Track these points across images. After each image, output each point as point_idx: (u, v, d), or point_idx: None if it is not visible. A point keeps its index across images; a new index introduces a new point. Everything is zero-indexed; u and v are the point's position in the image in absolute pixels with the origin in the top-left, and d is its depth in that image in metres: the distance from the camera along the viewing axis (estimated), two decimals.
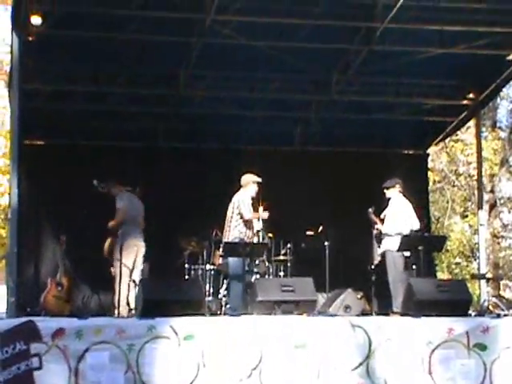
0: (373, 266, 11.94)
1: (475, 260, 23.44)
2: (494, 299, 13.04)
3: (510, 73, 13.42)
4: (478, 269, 15.03)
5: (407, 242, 10.90)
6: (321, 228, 11.98)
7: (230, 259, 10.68)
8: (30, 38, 10.69)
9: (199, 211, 13.23)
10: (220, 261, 11.67)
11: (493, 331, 8.60)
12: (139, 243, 10.70)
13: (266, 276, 11.66)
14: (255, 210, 10.90)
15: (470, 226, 24.49)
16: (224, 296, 11.36)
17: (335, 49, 12.80)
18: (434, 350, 8.46)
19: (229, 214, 10.95)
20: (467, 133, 22.52)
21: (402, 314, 9.45)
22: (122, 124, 14.02)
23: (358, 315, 9.97)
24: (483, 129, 22.62)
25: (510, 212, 25.66)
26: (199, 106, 13.96)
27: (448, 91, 14.31)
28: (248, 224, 10.88)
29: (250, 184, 11.07)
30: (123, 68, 12.98)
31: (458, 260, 25.25)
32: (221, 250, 11.12)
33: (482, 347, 8.53)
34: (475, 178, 16.74)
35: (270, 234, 11.68)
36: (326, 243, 11.50)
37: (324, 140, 14.94)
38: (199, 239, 12.02)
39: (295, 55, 12.43)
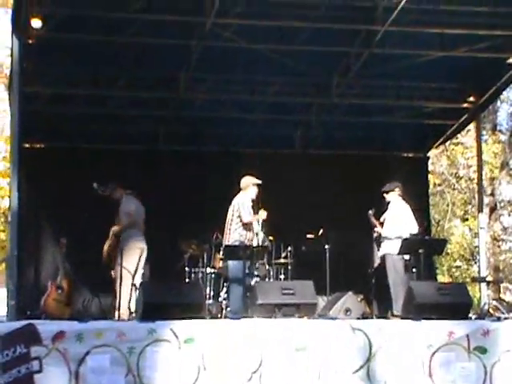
0: (373, 269, 11.96)
1: (475, 263, 23.45)
2: (495, 302, 12.99)
3: (510, 76, 13.41)
4: (479, 272, 15.02)
5: (408, 245, 10.90)
6: (321, 231, 11.96)
7: (231, 262, 10.66)
8: (30, 41, 10.71)
9: (199, 214, 13.21)
10: (220, 264, 11.67)
11: (493, 334, 8.60)
12: (143, 246, 10.70)
13: (267, 279, 11.67)
14: (255, 212, 10.90)
15: (471, 229, 24.49)
16: (224, 299, 11.37)
17: (336, 52, 12.80)
18: (434, 353, 8.46)
19: (229, 216, 10.94)
20: (467, 136, 22.55)
21: (403, 317, 9.43)
22: (122, 127, 14.02)
23: (358, 318, 9.95)
24: (483, 132, 22.63)
25: (510, 215, 25.66)
26: (200, 109, 13.96)
27: (448, 94, 14.31)
28: (248, 227, 10.87)
29: (249, 186, 11.05)
30: (123, 71, 12.98)
31: (458, 263, 25.26)
32: (221, 252, 11.13)
33: (483, 350, 8.53)
34: (475, 181, 16.75)
35: (271, 237, 11.68)
36: (326, 246, 11.48)
37: (324, 143, 14.95)
38: (199, 242, 12.02)
39: (295, 58, 12.44)
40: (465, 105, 14.55)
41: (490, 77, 13.76)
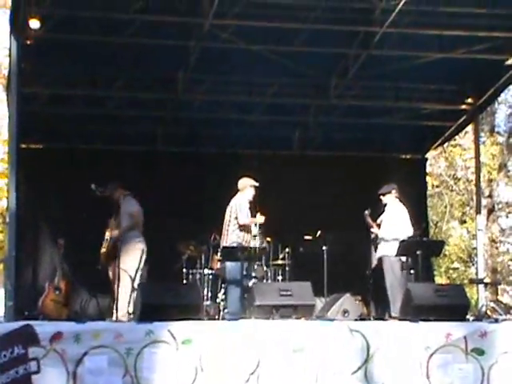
0: (370, 271, 11.96)
1: (473, 265, 23.42)
2: (492, 304, 13.03)
3: (508, 78, 13.42)
4: (476, 274, 15.02)
5: (405, 246, 10.91)
6: (319, 232, 11.95)
7: (228, 263, 10.66)
8: (29, 42, 10.66)
9: (197, 215, 13.19)
10: (218, 265, 11.67)
11: (491, 336, 8.61)
12: (143, 247, 10.66)
13: (264, 280, 11.65)
14: (253, 214, 10.89)
15: (468, 230, 24.47)
16: (222, 300, 11.35)
17: (334, 53, 12.80)
18: (432, 355, 8.47)
19: (226, 218, 10.94)
20: (465, 138, 22.55)
21: (400, 319, 9.44)
22: (120, 128, 14.00)
23: (356, 320, 9.95)
24: (481, 134, 22.59)
25: (508, 217, 25.67)
26: (198, 110, 13.94)
27: (447, 96, 14.30)
28: (245, 228, 10.87)
29: (247, 188, 11.06)
30: (121, 72, 12.97)
31: (456, 265, 25.23)
32: (219, 254, 11.12)
33: (480, 352, 8.54)
34: (473, 182, 16.80)
35: (268, 239, 11.68)
36: (324, 248, 11.46)
37: (323, 144, 14.94)
38: (197, 243, 12.00)
39: (294, 59, 12.43)
40: (463, 106, 14.56)
41: (488, 78, 13.75)
